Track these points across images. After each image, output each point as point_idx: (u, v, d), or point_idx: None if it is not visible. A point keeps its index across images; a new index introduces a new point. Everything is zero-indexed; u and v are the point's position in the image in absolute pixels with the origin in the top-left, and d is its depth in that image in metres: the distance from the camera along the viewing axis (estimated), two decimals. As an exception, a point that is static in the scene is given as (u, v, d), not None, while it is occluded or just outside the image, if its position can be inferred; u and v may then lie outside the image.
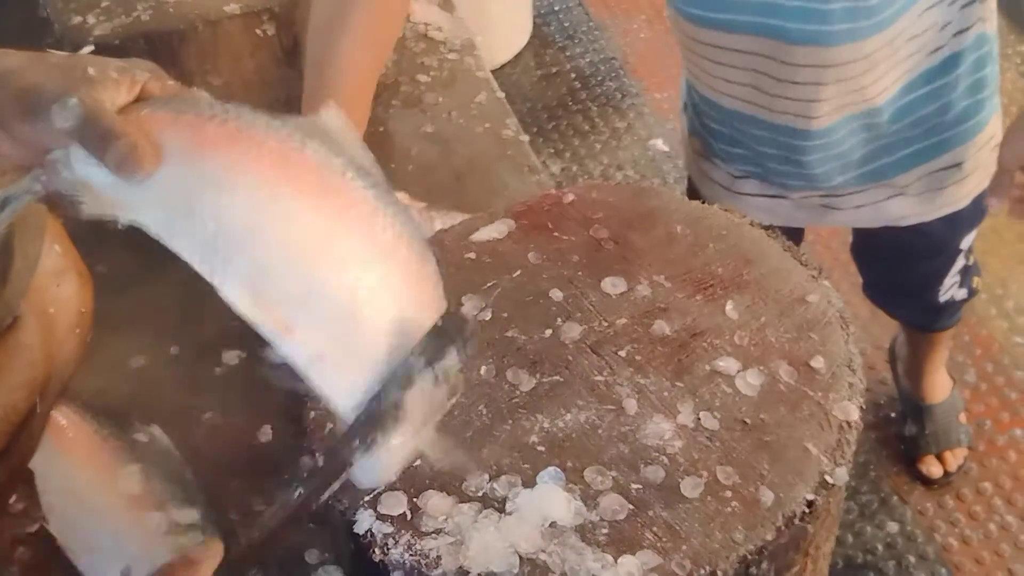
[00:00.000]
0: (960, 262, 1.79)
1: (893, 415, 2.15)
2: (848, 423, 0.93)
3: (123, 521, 1.18)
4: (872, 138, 1.50)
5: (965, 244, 1.76)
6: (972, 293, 1.90)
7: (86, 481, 1.21)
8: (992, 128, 1.57)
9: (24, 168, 0.76)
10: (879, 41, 1.35)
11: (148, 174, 0.72)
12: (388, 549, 0.87)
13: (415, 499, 0.89)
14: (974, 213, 1.67)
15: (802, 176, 1.55)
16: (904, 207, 1.62)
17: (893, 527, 1.99)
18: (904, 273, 1.83)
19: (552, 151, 2.72)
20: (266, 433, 1.35)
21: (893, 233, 1.67)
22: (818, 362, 0.97)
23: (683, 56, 1.58)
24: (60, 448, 1.22)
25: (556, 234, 1.12)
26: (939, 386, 2.11)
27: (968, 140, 1.55)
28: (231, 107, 0.79)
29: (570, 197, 1.16)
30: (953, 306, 1.90)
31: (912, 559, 1.95)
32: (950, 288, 1.83)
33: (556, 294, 1.05)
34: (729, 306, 1.02)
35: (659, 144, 2.74)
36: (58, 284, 1.04)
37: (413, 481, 0.89)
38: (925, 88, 1.47)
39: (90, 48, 1.51)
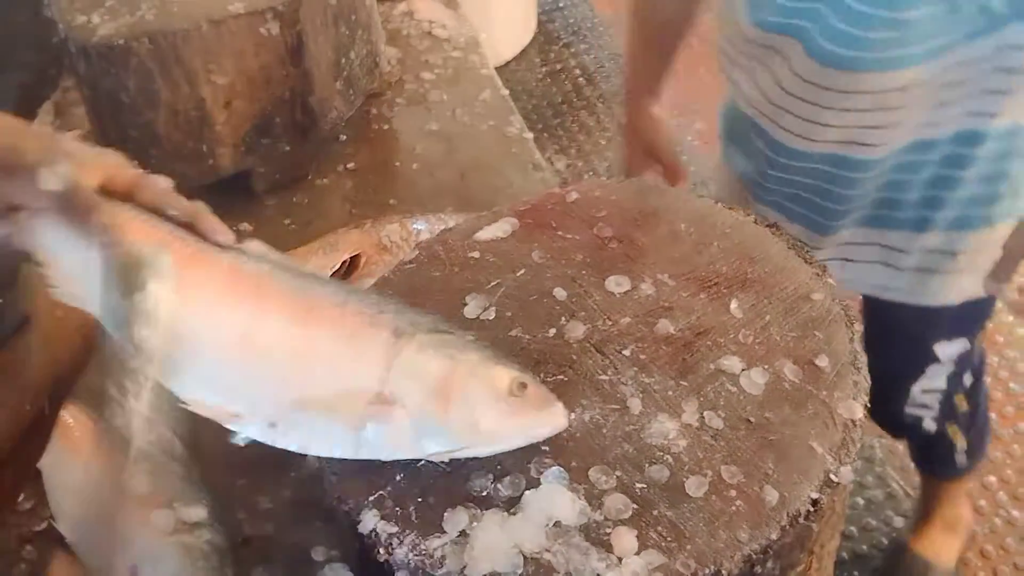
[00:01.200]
0: (936, 378, 1.64)
1: (899, 410, 2.15)
2: (853, 421, 0.93)
3: (130, 519, 1.18)
4: (881, 182, 1.44)
5: (943, 355, 1.61)
6: (964, 462, 1.79)
7: (93, 480, 1.22)
8: (1001, 234, 1.46)
9: None
10: (908, 76, 1.31)
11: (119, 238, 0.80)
12: (392, 549, 0.87)
13: (420, 499, 0.89)
14: (959, 323, 1.57)
15: (818, 219, 1.51)
16: (888, 276, 1.53)
17: (898, 522, 2.00)
18: (875, 355, 1.73)
19: (557, 148, 2.72)
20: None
21: (876, 304, 1.58)
22: (823, 360, 0.97)
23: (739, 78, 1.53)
24: (67, 447, 1.22)
25: (560, 233, 1.12)
26: (936, 546, 1.95)
27: (970, 230, 1.45)
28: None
29: (574, 196, 1.16)
30: (930, 439, 1.75)
31: (918, 554, 1.95)
32: (920, 407, 1.68)
33: (560, 293, 1.05)
34: (733, 304, 1.02)
35: (663, 140, 2.73)
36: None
37: (418, 481, 0.90)
38: (938, 151, 1.39)
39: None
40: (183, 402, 0.85)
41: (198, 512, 1.21)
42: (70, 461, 1.23)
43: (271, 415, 0.86)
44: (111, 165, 0.87)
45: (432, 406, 0.85)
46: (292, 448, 0.88)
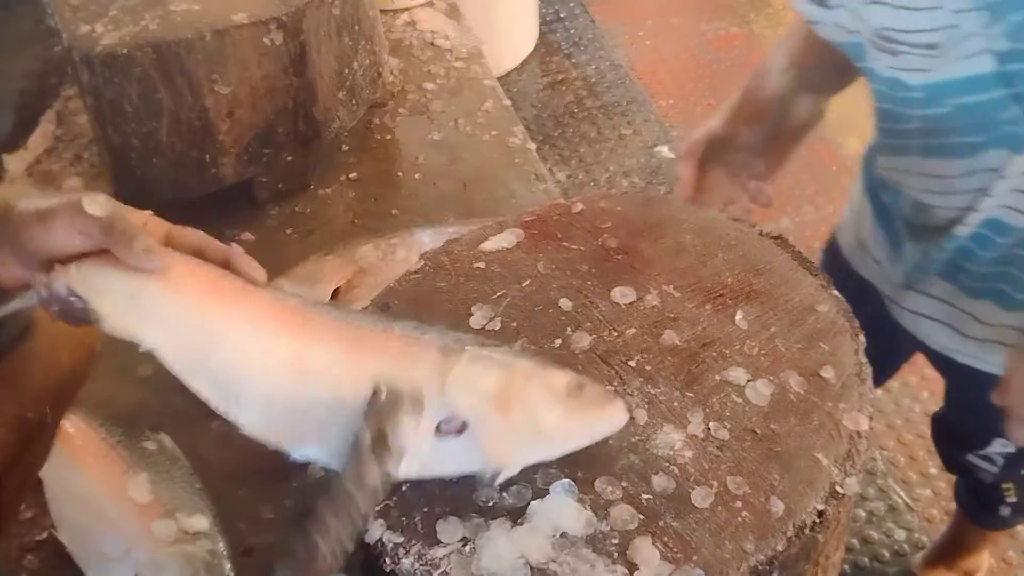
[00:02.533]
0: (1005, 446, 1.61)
1: (899, 421, 2.15)
2: (858, 433, 0.93)
3: (132, 529, 1.18)
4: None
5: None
6: (1008, 516, 1.75)
7: (95, 489, 1.22)
8: None
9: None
10: None
11: (159, 267, 0.84)
12: (399, 559, 0.86)
13: (425, 509, 0.89)
14: None
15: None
16: (960, 340, 1.46)
17: (901, 534, 1.99)
18: (961, 405, 1.66)
19: (558, 158, 2.73)
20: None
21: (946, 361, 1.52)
22: (828, 372, 0.97)
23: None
24: (69, 457, 1.22)
25: (565, 244, 1.12)
26: None
27: None
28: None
29: (579, 206, 1.16)
30: (983, 486, 1.73)
31: (919, 566, 1.95)
32: (987, 460, 1.65)
33: (565, 304, 1.05)
34: (739, 316, 1.02)
35: (665, 151, 2.74)
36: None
37: (424, 491, 0.89)
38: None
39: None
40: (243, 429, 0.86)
41: (200, 522, 1.21)
42: (71, 471, 1.23)
43: (328, 436, 0.86)
44: (143, 215, 0.90)
45: (493, 414, 0.84)
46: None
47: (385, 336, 0.88)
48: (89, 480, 1.23)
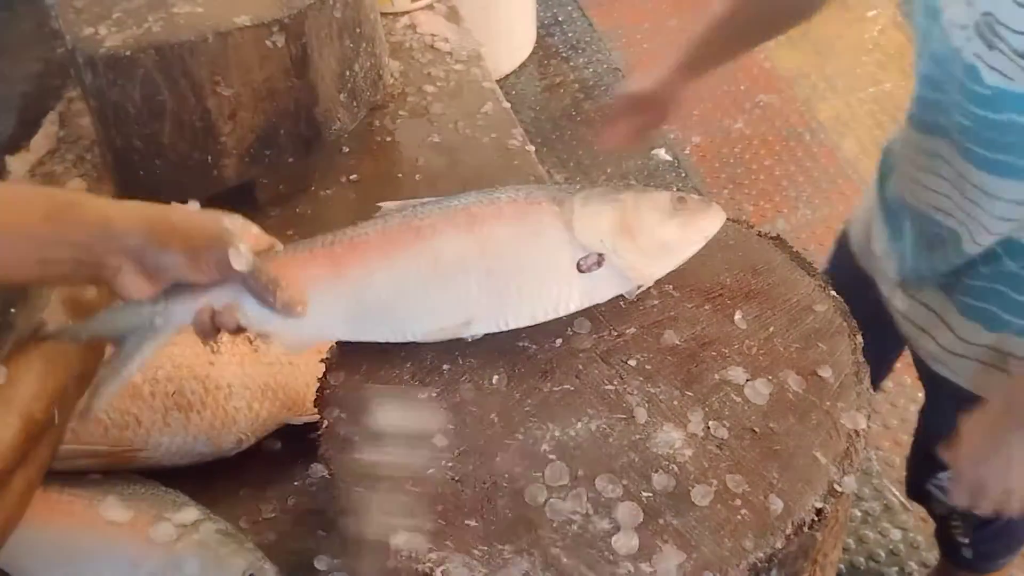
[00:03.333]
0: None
1: (895, 422, 2.16)
2: (856, 432, 0.94)
3: (129, 547, 1.19)
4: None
5: None
6: (971, 559, 1.70)
7: (65, 534, 1.21)
8: None
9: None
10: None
11: (304, 312, 0.96)
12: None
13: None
14: None
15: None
16: (937, 350, 1.45)
17: (896, 534, 2.00)
18: (927, 420, 1.67)
19: (556, 160, 2.74)
20: (275, 444, 1.36)
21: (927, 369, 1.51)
22: (826, 371, 0.98)
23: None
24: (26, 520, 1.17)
25: (566, 244, 1.13)
26: None
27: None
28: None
29: (580, 207, 1.17)
30: (938, 520, 1.72)
31: (915, 566, 1.96)
32: (940, 488, 1.49)
33: (566, 304, 1.06)
34: (737, 316, 1.04)
35: (662, 154, 2.75)
36: (78, 290, 1.06)
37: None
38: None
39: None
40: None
41: (191, 512, 1.22)
42: (29, 532, 1.19)
43: (493, 308, 0.99)
44: (253, 233, 1.01)
45: (622, 241, 0.98)
46: (523, 324, 1.00)
47: (497, 207, 0.99)
48: (54, 530, 1.22)
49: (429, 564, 0.86)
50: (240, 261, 0.92)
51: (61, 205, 0.91)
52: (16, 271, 0.91)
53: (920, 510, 2.03)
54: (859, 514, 2.03)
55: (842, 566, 1.95)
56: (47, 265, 0.90)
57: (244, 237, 0.95)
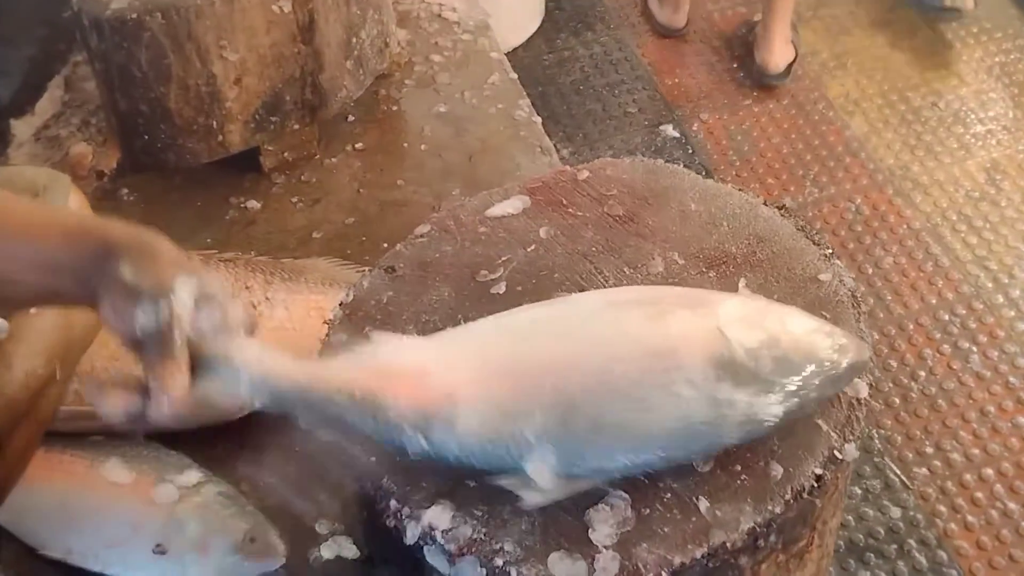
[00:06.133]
0: None
1: (898, 400, 2.16)
2: (858, 400, 0.94)
3: (131, 507, 1.19)
4: None
5: None
6: None
7: (67, 493, 1.21)
8: None
9: None
10: None
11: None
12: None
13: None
14: None
15: None
16: None
17: (896, 512, 2.00)
18: None
19: (563, 135, 2.72)
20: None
21: None
22: (829, 339, 0.98)
23: None
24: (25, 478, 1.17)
25: (571, 210, 1.13)
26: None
27: None
28: None
29: (585, 174, 1.17)
30: None
31: (914, 544, 1.95)
32: None
33: (570, 269, 1.06)
34: (742, 284, 1.03)
35: (669, 130, 2.73)
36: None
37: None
38: None
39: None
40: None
41: (193, 475, 1.22)
42: (31, 489, 1.18)
43: None
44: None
45: None
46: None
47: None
48: (56, 490, 1.22)
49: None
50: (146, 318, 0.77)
51: (76, 228, 0.82)
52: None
53: (920, 486, 2.03)
54: (859, 491, 2.03)
55: (841, 543, 1.95)
56: (50, 285, 0.81)
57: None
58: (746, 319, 0.88)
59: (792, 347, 0.88)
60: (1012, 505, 2.00)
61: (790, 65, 2.78)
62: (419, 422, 0.83)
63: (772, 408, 0.87)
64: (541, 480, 0.84)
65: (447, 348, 0.90)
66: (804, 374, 0.88)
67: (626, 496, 0.88)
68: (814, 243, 1.08)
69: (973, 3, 2.87)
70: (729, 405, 0.85)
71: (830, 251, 1.07)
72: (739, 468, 0.90)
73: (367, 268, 1.19)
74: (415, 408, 0.83)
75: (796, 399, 0.88)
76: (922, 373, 2.20)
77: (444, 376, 0.85)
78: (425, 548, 0.87)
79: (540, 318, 0.92)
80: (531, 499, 0.85)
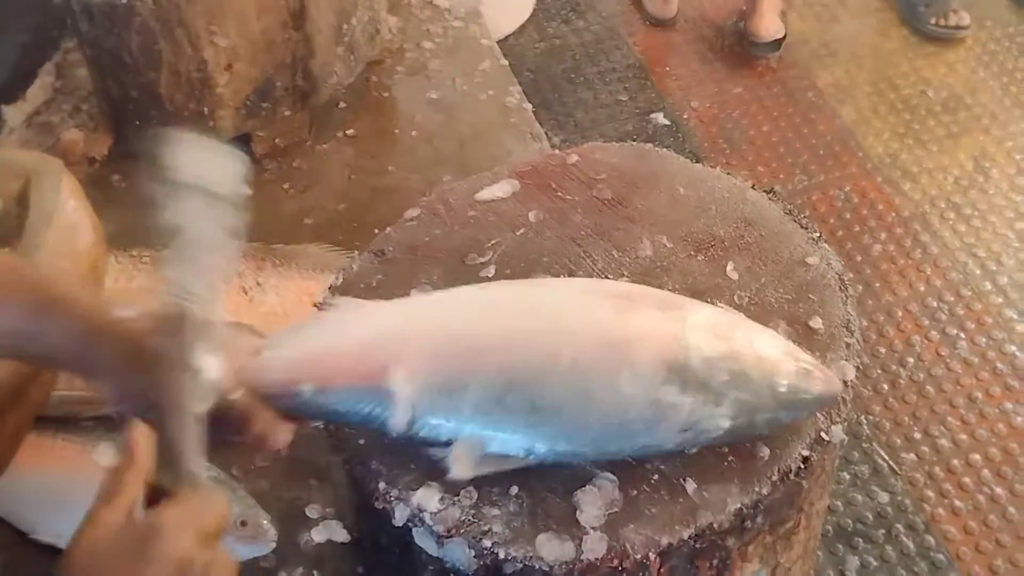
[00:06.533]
0: None
1: (887, 387, 2.17)
2: (845, 382, 0.95)
3: None
4: None
5: None
6: None
7: (57, 477, 1.22)
8: None
9: None
10: None
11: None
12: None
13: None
14: None
15: None
16: None
17: (884, 497, 2.01)
18: None
19: (554, 122, 2.72)
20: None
21: None
22: (816, 322, 0.99)
23: None
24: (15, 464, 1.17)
25: (560, 194, 1.13)
26: None
27: None
28: None
29: (574, 158, 1.17)
30: None
31: (902, 528, 1.97)
32: None
33: (559, 252, 1.06)
34: (730, 267, 1.04)
35: (660, 118, 2.73)
36: (72, 238, 1.06)
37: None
38: None
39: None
40: None
41: None
42: (21, 473, 1.18)
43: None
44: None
45: None
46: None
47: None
48: (47, 474, 1.22)
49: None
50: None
51: (48, 301, 0.81)
52: None
53: (908, 472, 2.04)
54: (848, 477, 2.04)
55: (829, 528, 1.96)
56: (19, 352, 0.83)
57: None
58: (713, 329, 0.87)
59: (752, 364, 0.86)
60: (999, 490, 2.01)
61: (779, 40, 2.82)
62: (361, 395, 0.84)
63: (717, 420, 0.86)
64: (464, 459, 0.85)
65: (404, 318, 0.90)
66: (758, 393, 0.86)
67: (614, 478, 0.88)
68: (802, 227, 1.09)
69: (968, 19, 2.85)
70: (672, 409, 0.84)
71: (818, 235, 1.08)
72: (726, 450, 0.90)
73: (357, 253, 1.19)
74: (356, 381, 0.85)
75: (745, 417, 0.86)
76: (910, 360, 2.21)
77: (389, 347, 0.86)
78: (414, 530, 0.88)
79: (507, 296, 0.92)
80: (457, 471, 0.85)
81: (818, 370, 0.89)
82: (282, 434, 0.85)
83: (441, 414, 0.85)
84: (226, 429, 0.82)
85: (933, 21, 2.84)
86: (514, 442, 0.86)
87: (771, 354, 0.87)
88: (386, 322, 0.90)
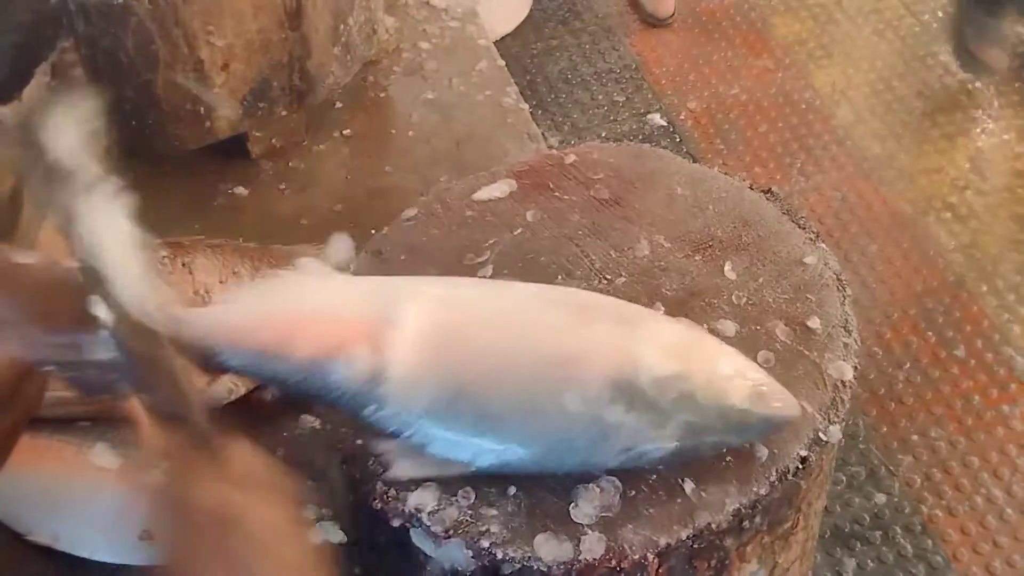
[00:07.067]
0: None
1: (883, 389, 2.18)
2: (843, 382, 0.95)
3: (120, 493, 1.19)
4: None
5: None
6: None
7: (54, 478, 1.21)
8: None
9: None
10: None
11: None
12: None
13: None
14: None
15: None
16: None
17: (881, 498, 2.02)
18: None
19: (551, 123, 2.73)
20: (265, 395, 1.36)
21: None
22: (814, 322, 0.99)
23: None
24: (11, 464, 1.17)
25: (557, 194, 1.13)
26: None
27: None
28: None
29: (571, 157, 1.17)
30: None
31: (899, 530, 1.97)
32: None
33: (556, 252, 1.06)
34: (727, 267, 1.04)
35: (657, 119, 2.74)
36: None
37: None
38: None
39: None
40: None
41: None
42: (18, 474, 1.17)
43: None
44: None
45: None
46: None
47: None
48: (43, 475, 1.22)
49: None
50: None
51: None
52: None
53: (905, 473, 2.04)
54: (845, 479, 2.04)
55: (826, 529, 1.96)
56: None
57: None
58: (666, 347, 0.85)
59: (702, 386, 0.84)
60: (996, 491, 2.02)
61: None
62: (315, 369, 0.83)
63: (662, 442, 0.84)
64: (405, 458, 0.85)
65: (371, 296, 0.88)
66: (706, 415, 0.84)
67: (618, 483, 0.88)
68: (799, 227, 1.09)
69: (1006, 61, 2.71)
70: (615, 429, 0.83)
71: (815, 235, 1.08)
72: (724, 450, 0.90)
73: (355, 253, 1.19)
74: (310, 352, 0.83)
75: (691, 439, 0.85)
76: (907, 361, 2.22)
77: (352, 324, 0.84)
78: (411, 531, 0.88)
79: (473, 298, 0.90)
80: (400, 470, 0.85)
81: (774, 393, 0.86)
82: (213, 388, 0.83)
83: (395, 404, 0.83)
84: (135, 381, 0.80)
85: (972, 46, 2.70)
86: (460, 448, 0.85)
87: (724, 375, 0.85)
88: (352, 297, 0.88)
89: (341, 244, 0.91)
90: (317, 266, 0.90)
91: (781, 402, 0.86)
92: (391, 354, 0.83)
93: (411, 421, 0.84)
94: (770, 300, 1.01)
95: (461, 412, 0.84)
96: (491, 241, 1.08)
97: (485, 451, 0.85)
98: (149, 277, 0.79)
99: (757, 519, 0.90)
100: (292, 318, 0.85)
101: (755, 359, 0.95)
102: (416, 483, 0.88)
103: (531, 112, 1.87)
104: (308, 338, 0.84)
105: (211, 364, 0.85)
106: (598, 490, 0.87)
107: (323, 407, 0.88)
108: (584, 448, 0.84)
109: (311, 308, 0.86)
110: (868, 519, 2.01)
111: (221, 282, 1.33)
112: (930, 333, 2.25)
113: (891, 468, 2.08)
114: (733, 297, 1.01)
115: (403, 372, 0.83)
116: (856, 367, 0.97)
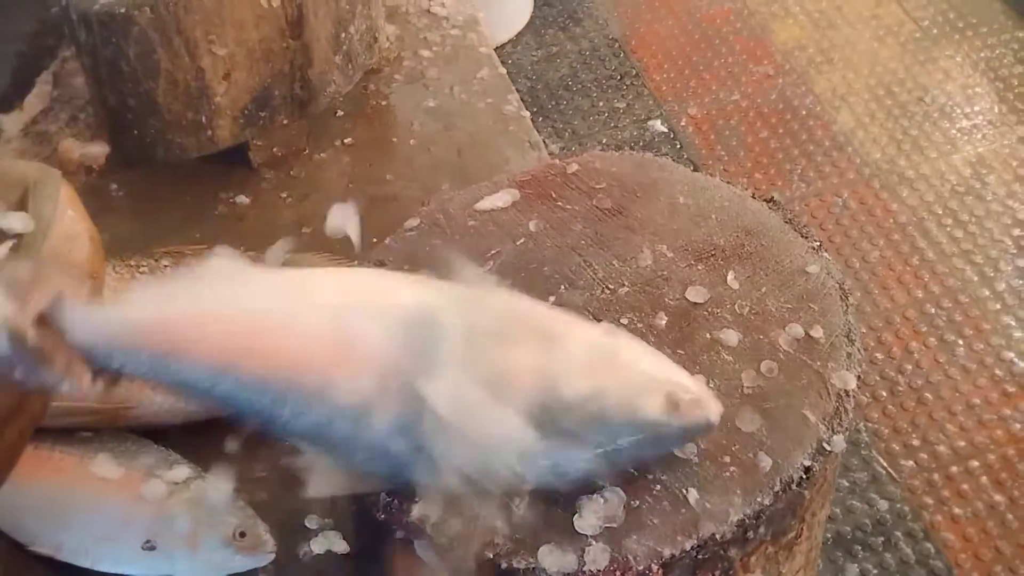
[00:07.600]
0: None
1: (885, 394, 2.18)
2: (846, 392, 0.95)
3: (120, 503, 1.19)
4: None
5: None
6: None
7: (56, 488, 1.21)
8: None
9: None
10: None
11: None
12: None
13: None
14: None
15: None
16: None
17: (883, 504, 2.02)
18: None
19: (552, 130, 2.73)
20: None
21: None
22: (817, 332, 0.99)
23: None
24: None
25: (559, 203, 1.13)
26: None
27: None
28: None
29: (573, 167, 1.17)
30: None
31: (901, 536, 1.97)
32: None
33: (559, 262, 1.06)
34: (730, 276, 1.04)
35: (658, 125, 2.75)
36: (71, 248, 1.05)
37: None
38: None
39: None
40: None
41: (182, 471, 1.22)
42: (19, 486, 1.17)
43: None
44: None
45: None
46: None
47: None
48: (45, 486, 1.22)
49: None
50: None
51: None
52: None
53: (908, 480, 2.04)
54: (847, 484, 2.04)
55: (828, 535, 1.96)
56: None
57: None
58: (580, 365, 0.82)
59: (614, 405, 0.81)
60: (998, 497, 2.02)
61: None
62: (211, 374, 0.81)
63: (576, 463, 0.82)
64: (318, 474, 0.83)
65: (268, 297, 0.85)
66: (617, 434, 0.83)
67: (622, 494, 0.87)
68: (802, 236, 1.09)
69: None
70: (530, 454, 0.80)
71: (818, 244, 1.08)
72: (728, 460, 0.90)
73: (356, 263, 1.19)
74: (209, 360, 0.81)
75: (604, 456, 0.83)
76: (909, 366, 2.22)
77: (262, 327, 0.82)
78: (415, 541, 0.88)
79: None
80: (314, 488, 0.84)
81: (688, 402, 0.84)
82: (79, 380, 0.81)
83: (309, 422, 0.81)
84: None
85: None
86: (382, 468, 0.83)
87: (639, 388, 0.83)
88: (268, 296, 0.84)
89: (343, 212, 0.89)
90: (226, 263, 0.86)
91: (699, 410, 0.84)
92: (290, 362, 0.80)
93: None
94: (773, 309, 1.01)
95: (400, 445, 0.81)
96: (494, 251, 1.08)
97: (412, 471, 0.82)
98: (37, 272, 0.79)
99: (761, 529, 0.90)
100: (190, 319, 0.82)
101: (758, 369, 0.96)
102: (420, 494, 0.88)
103: (532, 119, 1.87)
104: (196, 349, 0.80)
105: (103, 366, 0.82)
106: (602, 501, 0.87)
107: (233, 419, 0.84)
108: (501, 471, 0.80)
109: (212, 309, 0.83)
110: (870, 525, 2.01)
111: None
112: (931, 338, 2.25)
113: (893, 473, 2.07)
114: (736, 307, 1.01)
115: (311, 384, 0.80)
116: (859, 376, 0.97)
